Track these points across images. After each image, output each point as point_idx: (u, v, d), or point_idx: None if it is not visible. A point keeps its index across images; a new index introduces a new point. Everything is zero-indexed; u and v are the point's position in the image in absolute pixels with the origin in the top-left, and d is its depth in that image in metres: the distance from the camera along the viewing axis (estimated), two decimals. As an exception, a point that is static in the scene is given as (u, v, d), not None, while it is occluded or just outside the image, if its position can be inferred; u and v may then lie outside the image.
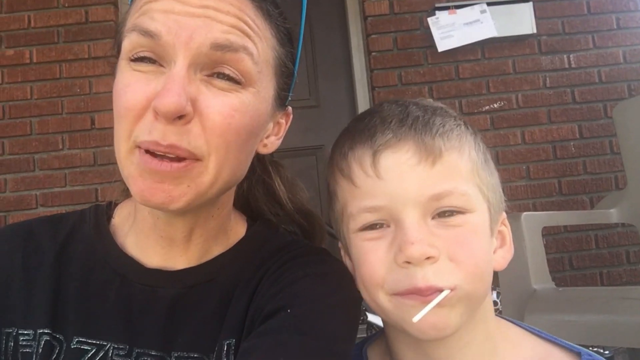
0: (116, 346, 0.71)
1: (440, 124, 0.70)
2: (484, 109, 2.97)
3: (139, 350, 0.71)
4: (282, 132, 0.80)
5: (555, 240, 2.87)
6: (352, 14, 3.15)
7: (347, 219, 0.72)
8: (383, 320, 0.77)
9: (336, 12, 3.19)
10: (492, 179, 0.72)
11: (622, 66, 3.03)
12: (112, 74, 0.72)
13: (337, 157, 0.74)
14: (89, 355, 0.70)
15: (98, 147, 2.83)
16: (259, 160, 0.87)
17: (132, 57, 0.64)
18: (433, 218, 0.66)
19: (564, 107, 3.00)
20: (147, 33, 0.61)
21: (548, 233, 2.82)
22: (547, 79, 3.01)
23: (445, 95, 2.96)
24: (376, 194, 0.67)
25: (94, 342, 0.71)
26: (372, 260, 0.67)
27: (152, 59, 0.63)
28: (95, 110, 2.84)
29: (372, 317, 2.03)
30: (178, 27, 0.61)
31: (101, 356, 0.70)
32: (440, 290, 0.63)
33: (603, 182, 2.95)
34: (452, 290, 0.64)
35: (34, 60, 2.88)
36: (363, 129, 0.71)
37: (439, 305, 0.63)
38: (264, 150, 0.77)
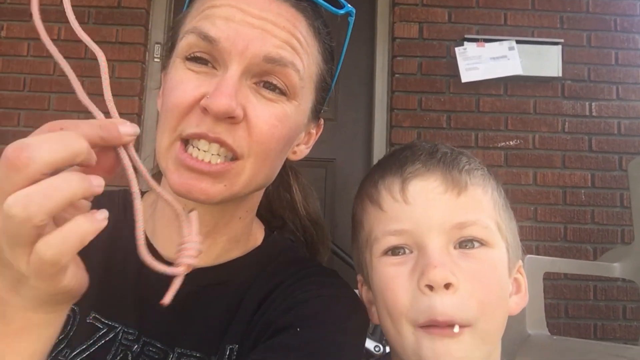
0: (126, 330, 0.73)
1: (466, 162, 0.74)
2: (499, 145, 2.96)
3: (146, 340, 0.73)
4: (312, 142, 0.84)
5: (553, 286, 2.84)
6: (381, 33, 3.16)
7: (371, 244, 0.74)
8: (392, 351, 0.78)
9: (366, 29, 3.21)
10: (511, 223, 0.76)
11: (643, 121, 3.02)
12: (162, 70, 0.76)
13: (367, 186, 0.78)
14: (100, 333, 0.72)
15: (112, 130, 2.83)
16: (282, 166, 0.91)
17: (188, 56, 0.67)
18: (455, 247, 0.69)
19: (580, 153, 2.98)
20: (206, 37, 0.65)
21: (547, 277, 2.78)
22: (567, 123, 3.00)
23: (462, 126, 2.96)
24: (402, 218, 0.70)
25: (107, 322, 0.73)
26: (395, 287, 0.69)
27: (206, 60, 0.66)
28: (114, 95, 2.77)
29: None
30: (236, 36, 0.64)
31: (111, 337, 0.72)
32: (458, 325, 0.66)
33: (609, 234, 2.92)
34: (469, 327, 0.66)
35: (62, 37, 2.89)
36: (394, 161, 0.75)
37: (460, 341, 0.65)
38: (293, 157, 0.81)
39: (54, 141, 0.42)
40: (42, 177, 0.41)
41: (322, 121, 0.84)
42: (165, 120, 0.67)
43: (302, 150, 0.82)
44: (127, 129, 0.47)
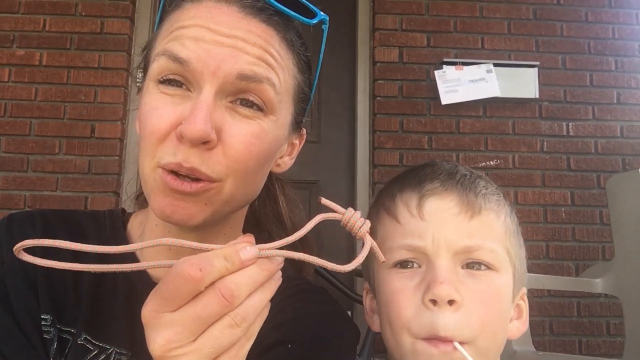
0: (119, 351, 0.72)
1: (484, 186, 0.76)
2: (480, 165, 3.01)
3: None
4: (295, 153, 0.84)
5: (537, 303, 2.86)
6: (362, 57, 3.21)
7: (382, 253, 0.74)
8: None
9: (347, 54, 3.26)
10: (520, 250, 0.78)
11: (618, 140, 3.09)
12: (138, 92, 0.75)
13: (385, 197, 0.79)
14: (91, 355, 0.71)
15: (94, 156, 2.82)
16: (268, 178, 0.90)
17: (161, 79, 0.66)
18: (463, 267, 0.71)
19: (559, 172, 3.04)
20: (177, 59, 0.63)
21: (531, 295, 2.80)
22: (545, 143, 3.06)
23: (444, 147, 3.00)
24: (417, 233, 0.72)
25: (98, 344, 0.72)
26: (400, 300, 0.70)
27: (180, 82, 0.65)
28: (96, 120, 2.85)
29: None
30: (207, 56, 0.63)
31: (102, 359, 0.71)
32: (459, 342, 0.66)
33: (590, 251, 2.96)
34: (467, 344, 0.67)
35: (43, 63, 2.90)
36: (413, 177, 0.77)
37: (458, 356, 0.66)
38: (277, 170, 0.80)
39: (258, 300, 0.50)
40: None
41: (304, 131, 0.84)
42: (144, 148, 0.67)
43: (286, 162, 0.81)
44: (247, 256, 0.48)
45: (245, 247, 0.48)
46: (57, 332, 0.72)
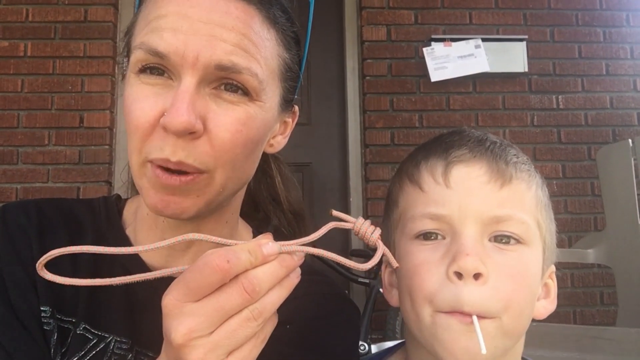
0: (119, 339, 0.72)
1: (514, 155, 0.72)
2: (471, 141, 3.01)
3: (138, 349, 0.72)
4: (289, 131, 0.81)
5: (532, 277, 2.89)
6: (350, 37, 3.19)
7: (404, 223, 0.72)
8: (407, 337, 0.77)
9: (334, 34, 3.23)
10: (551, 224, 0.74)
11: (608, 111, 3.10)
12: (123, 79, 0.73)
13: (409, 165, 0.75)
14: (91, 344, 0.71)
15: (84, 145, 2.80)
16: (263, 157, 0.89)
17: (141, 68, 0.64)
18: (490, 240, 0.67)
19: (550, 146, 3.06)
20: (155, 53, 0.62)
21: (525, 269, 2.84)
22: (535, 117, 3.07)
23: (434, 124, 3.00)
24: (442, 202, 0.68)
25: (97, 332, 0.72)
26: (423, 272, 0.67)
27: (161, 70, 0.63)
28: (85, 109, 2.83)
29: (375, 350, 2.04)
30: (185, 48, 0.61)
31: (102, 347, 0.71)
32: (483, 317, 0.63)
33: (583, 222, 2.99)
34: (492, 319, 0.64)
35: (28, 54, 2.86)
36: (440, 144, 0.73)
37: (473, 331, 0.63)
38: (270, 150, 0.79)
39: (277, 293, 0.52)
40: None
41: (296, 108, 0.82)
42: (131, 142, 0.65)
43: (279, 142, 0.79)
44: (269, 251, 0.50)
45: (268, 242, 0.50)
46: (56, 323, 0.71)
